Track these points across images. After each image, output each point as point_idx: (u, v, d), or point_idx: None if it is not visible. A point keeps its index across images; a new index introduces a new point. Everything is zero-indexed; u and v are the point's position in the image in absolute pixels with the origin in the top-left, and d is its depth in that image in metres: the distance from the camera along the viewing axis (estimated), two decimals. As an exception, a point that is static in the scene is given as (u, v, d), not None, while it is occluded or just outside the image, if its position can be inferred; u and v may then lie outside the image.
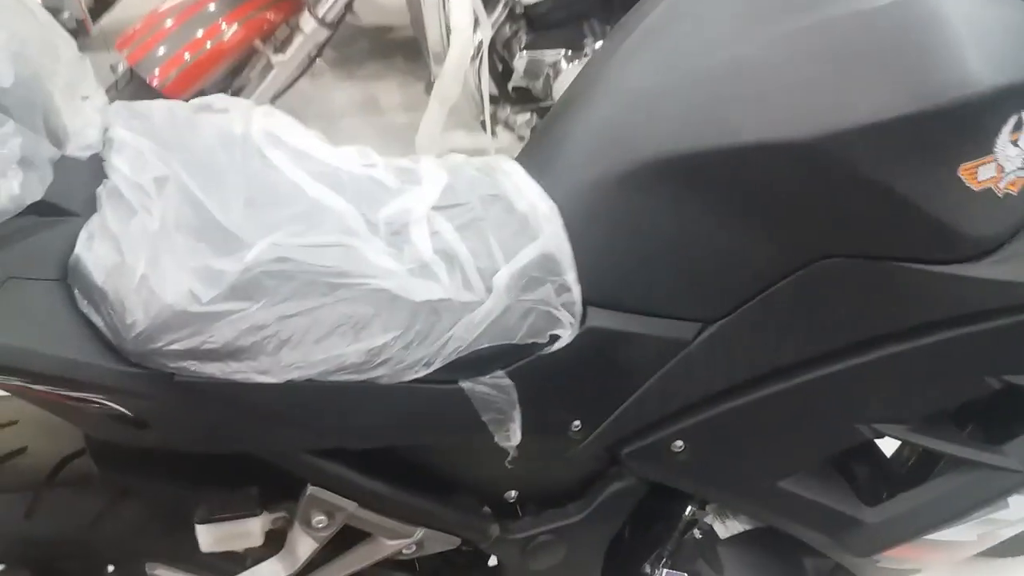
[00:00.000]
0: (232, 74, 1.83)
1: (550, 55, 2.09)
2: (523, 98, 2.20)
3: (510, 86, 2.20)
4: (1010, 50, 0.78)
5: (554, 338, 0.80)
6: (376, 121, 2.54)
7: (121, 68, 1.77)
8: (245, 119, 0.84)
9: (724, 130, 0.77)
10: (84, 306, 0.66)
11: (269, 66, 1.83)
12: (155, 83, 1.66)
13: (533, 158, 0.89)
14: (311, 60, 1.92)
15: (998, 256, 0.83)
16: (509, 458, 0.83)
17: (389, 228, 0.78)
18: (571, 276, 0.80)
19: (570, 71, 2.09)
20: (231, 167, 0.76)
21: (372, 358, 0.73)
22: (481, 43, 1.82)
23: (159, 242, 0.67)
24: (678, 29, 0.85)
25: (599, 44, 2.10)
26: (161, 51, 1.65)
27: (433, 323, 0.75)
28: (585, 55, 2.09)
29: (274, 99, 1.93)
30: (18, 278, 0.63)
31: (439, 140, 1.88)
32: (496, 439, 0.82)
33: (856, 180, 0.76)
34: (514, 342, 0.79)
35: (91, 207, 0.70)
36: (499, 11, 1.95)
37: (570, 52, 2.09)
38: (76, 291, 0.66)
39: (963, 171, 0.76)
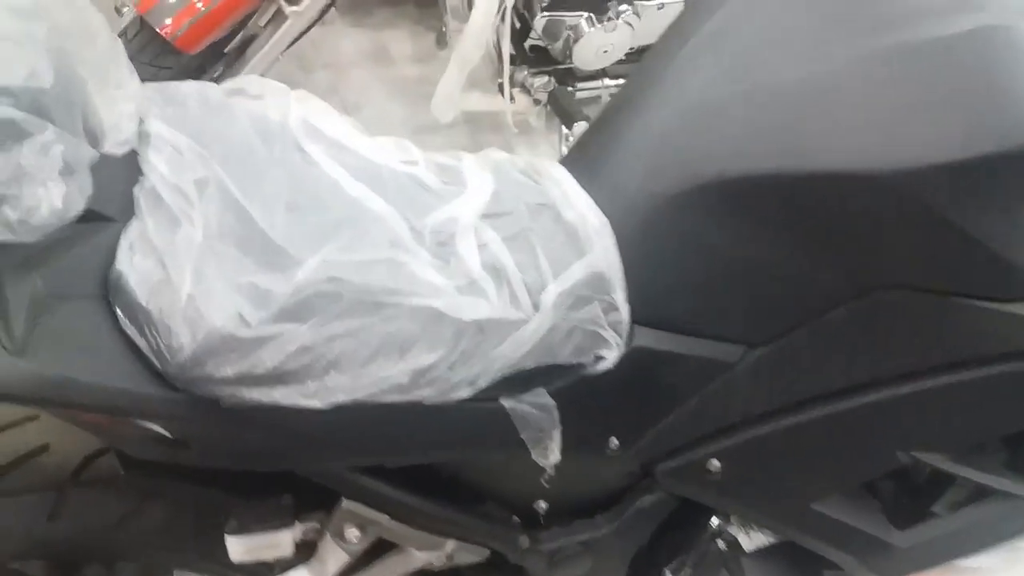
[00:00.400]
0: (242, 23, 1.75)
1: (572, 17, 2.02)
2: (540, 59, 2.14)
3: (527, 44, 2.13)
4: None
5: (599, 358, 0.78)
6: (385, 73, 2.46)
7: (127, 11, 1.69)
8: (281, 107, 0.80)
9: (795, 155, 0.73)
10: (127, 326, 0.62)
11: (282, 16, 1.75)
12: (167, 33, 1.58)
13: (581, 163, 0.85)
14: (325, 10, 1.84)
15: None
16: (545, 476, 0.81)
17: (435, 238, 0.75)
18: (620, 295, 0.77)
19: (592, 35, 2.03)
20: (270, 164, 0.73)
21: (417, 379, 0.70)
22: (504, 4, 1.75)
23: (203, 255, 0.63)
24: (745, 38, 0.80)
25: (622, 8, 2.04)
26: (173, 0, 1.57)
27: (479, 342, 0.72)
28: (608, 18, 2.03)
29: (285, 50, 1.86)
30: (58, 296, 0.60)
31: (456, 102, 1.82)
32: (533, 456, 0.80)
33: (928, 216, 0.73)
34: (558, 361, 0.77)
35: (128, 210, 0.66)
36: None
37: (592, 16, 2.02)
38: (118, 309, 0.63)
39: None
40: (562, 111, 2.04)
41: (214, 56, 1.75)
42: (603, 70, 2.18)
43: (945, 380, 0.83)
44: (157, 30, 1.57)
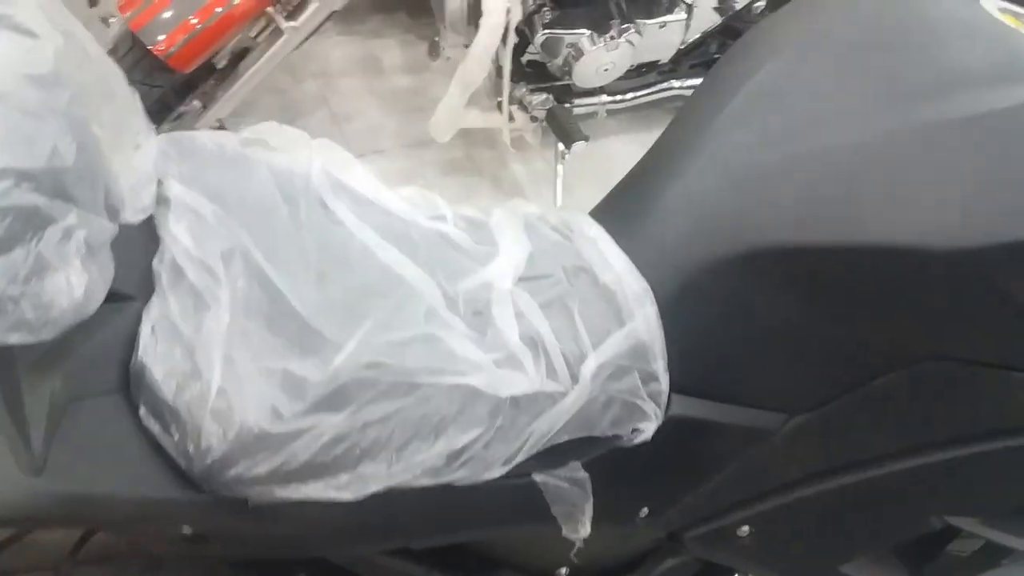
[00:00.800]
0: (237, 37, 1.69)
1: (573, 35, 1.98)
2: (538, 75, 2.09)
3: (525, 60, 2.09)
4: None
5: (636, 430, 0.75)
6: (376, 83, 2.40)
7: (113, 23, 1.62)
8: (302, 158, 0.75)
9: (849, 226, 0.70)
10: (150, 422, 0.58)
11: (279, 32, 1.69)
12: (161, 52, 1.51)
13: (615, 219, 0.81)
14: (322, 23, 1.78)
15: None
16: (574, 550, 0.78)
17: (470, 306, 0.71)
18: (660, 365, 0.74)
19: (593, 53, 1.99)
20: (296, 226, 0.69)
21: (452, 460, 0.66)
22: (508, 24, 1.71)
23: (232, 339, 0.59)
24: (794, 99, 0.77)
25: (624, 26, 2.00)
26: (167, 16, 1.50)
27: (515, 417, 0.69)
28: (610, 37, 1.99)
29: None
30: (77, 397, 0.55)
31: (456, 123, 1.77)
32: (564, 532, 0.76)
33: (984, 293, 0.71)
34: (594, 434, 0.74)
35: (148, 286, 0.61)
36: (526, -13, 1.83)
37: (594, 34, 1.98)
38: (141, 404, 0.58)
39: None
40: (561, 130, 2.00)
41: (206, 71, 1.69)
42: (601, 87, 2.15)
43: (982, 447, 0.81)
44: (150, 48, 1.51)
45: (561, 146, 2.04)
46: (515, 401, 0.68)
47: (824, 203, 0.71)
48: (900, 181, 0.70)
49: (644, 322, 0.74)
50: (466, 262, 0.74)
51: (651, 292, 0.74)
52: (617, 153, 2.38)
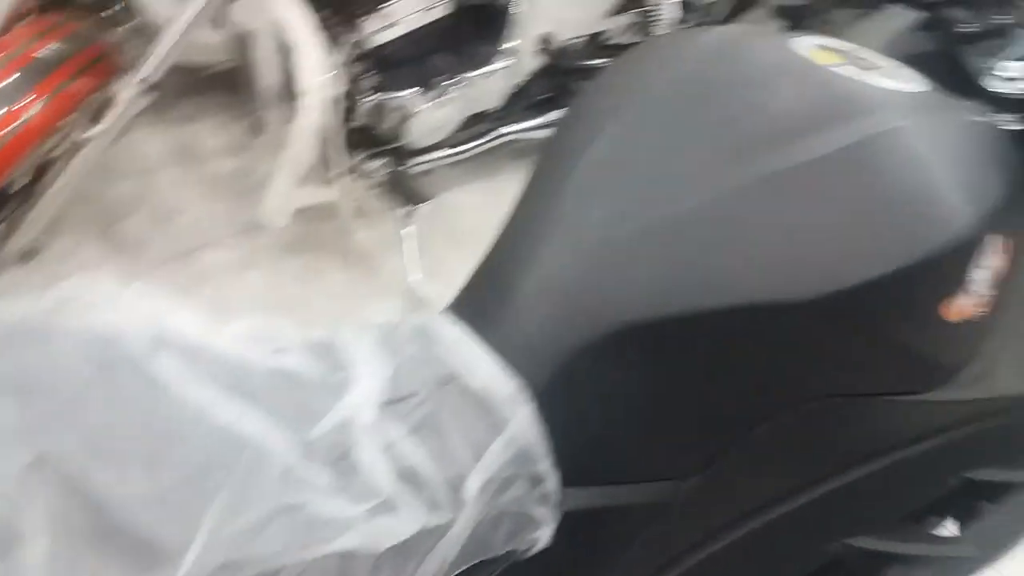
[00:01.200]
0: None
1: (401, 96, 1.92)
2: (371, 140, 2.02)
3: (352, 125, 2.01)
4: (979, 174, 0.76)
5: (533, 539, 0.69)
6: (198, 171, 2.26)
7: None
8: (119, 315, 0.66)
9: (705, 292, 0.69)
10: None
11: (83, 140, 1.55)
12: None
13: (476, 315, 0.76)
14: (132, 120, 1.65)
15: (965, 376, 0.82)
16: None
17: (332, 452, 0.63)
18: (546, 464, 0.69)
19: (422, 112, 1.94)
20: (116, 406, 0.59)
21: None
22: (330, 98, 1.63)
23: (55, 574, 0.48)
24: (634, 166, 0.75)
25: (452, 82, 1.97)
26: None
27: (400, 566, 0.61)
28: (438, 93, 1.95)
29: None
30: None
31: (289, 208, 1.68)
32: None
33: (848, 331, 0.72)
34: (488, 556, 0.67)
35: None
36: (343, 55, 1.76)
37: (422, 91, 1.93)
38: None
39: (944, 308, 0.73)
40: (402, 193, 1.95)
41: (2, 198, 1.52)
42: (438, 143, 2.10)
43: (871, 467, 0.84)
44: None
45: (405, 209, 1.98)
46: (397, 548, 0.61)
47: (678, 272, 0.70)
48: (747, 237, 0.70)
49: (522, 424, 0.68)
50: (319, 400, 0.66)
51: (524, 389, 0.69)
52: (464, 204, 2.34)
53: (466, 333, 0.73)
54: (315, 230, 2.16)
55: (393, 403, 0.67)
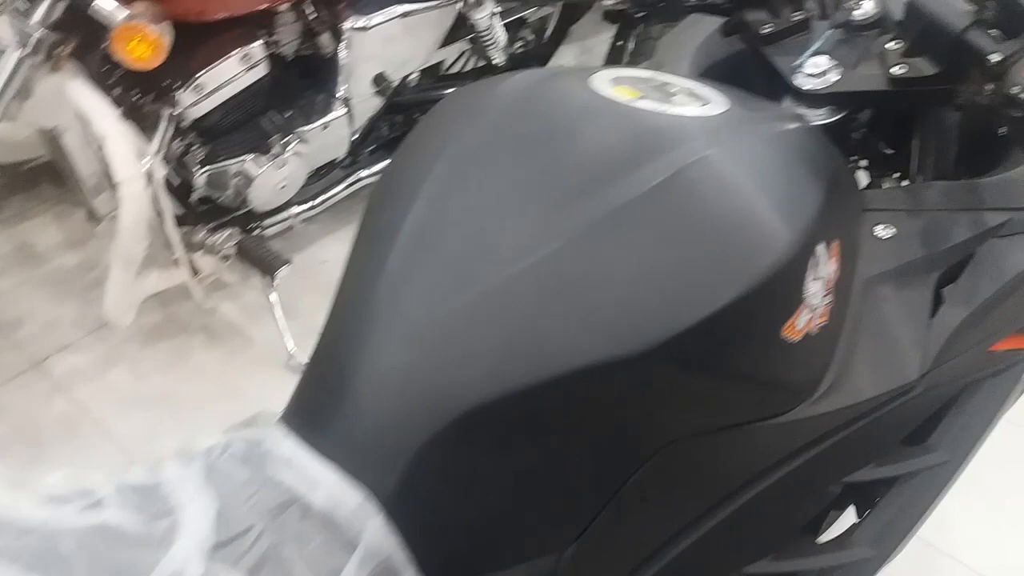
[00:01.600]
0: None
1: (235, 163, 1.84)
2: (215, 211, 1.93)
3: (193, 200, 1.92)
4: (793, 186, 0.75)
5: None
6: (38, 272, 2.11)
7: None
8: None
9: (547, 359, 0.64)
10: None
11: None
12: None
13: (311, 422, 0.70)
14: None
15: (824, 386, 0.80)
16: None
17: (160, 617, 0.56)
18: (410, 573, 0.64)
19: (262, 176, 1.86)
20: None
21: None
22: (153, 182, 1.54)
23: None
24: (451, 239, 0.70)
25: (287, 140, 1.89)
26: None
27: None
28: (274, 154, 1.87)
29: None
30: None
31: (133, 302, 1.58)
32: None
33: (695, 372, 0.69)
34: None
35: None
36: (162, 134, 1.67)
37: (257, 156, 1.86)
38: None
39: (785, 330, 0.71)
40: (258, 261, 1.86)
41: None
42: (287, 201, 2.03)
43: (749, 494, 0.82)
44: None
45: (265, 276, 1.89)
46: None
47: (512, 345, 0.65)
48: (576, 296, 0.66)
49: (376, 536, 0.63)
50: (142, 556, 0.59)
51: (371, 498, 0.64)
52: (329, 256, 2.27)
53: (301, 446, 0.67)
54: (177, 312, 2.05)
55: (225, 545, 0.61)
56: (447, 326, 0.66)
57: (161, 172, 1.57)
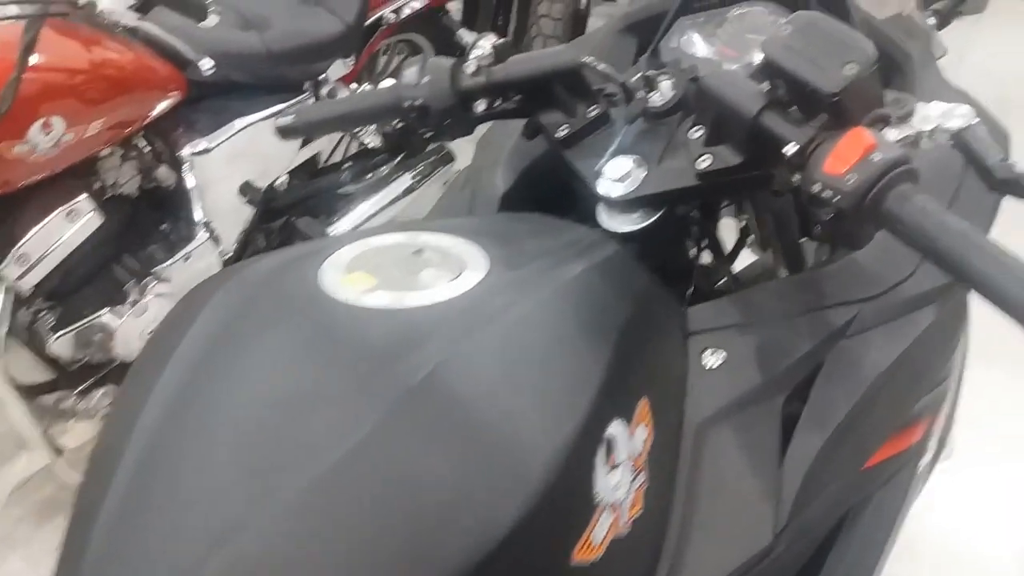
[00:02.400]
0: None
1: (91, 320, 1.70)
2: (85, 371, 1.79)
3: (56, 366, 1.77)
4: (566, 370, 0.61)
5: None
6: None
7: None
8: None
9: None
10: None
11: None
12: None
13: None
14: None
15: None
16: None
17: None
18: None
19: (124, 326, 1.73)
20: None
21: None
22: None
23: None
24: (190, 474, 0.56)
25: (146, 282, 1.76)
26: None
27: None
28: (133, 301, 1.74)
29: None
30: None
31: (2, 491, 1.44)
32: None
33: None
34: None
35: None
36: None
37: (115, 308, 1.72)
38: None
39: (578, 554, 0.57)
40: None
41: None
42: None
43: None
44: None
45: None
46: None
47: None
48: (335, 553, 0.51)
49: None
50: None
51: None
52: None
53: None
54: (67, 482, 1.90)
55: None
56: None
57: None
